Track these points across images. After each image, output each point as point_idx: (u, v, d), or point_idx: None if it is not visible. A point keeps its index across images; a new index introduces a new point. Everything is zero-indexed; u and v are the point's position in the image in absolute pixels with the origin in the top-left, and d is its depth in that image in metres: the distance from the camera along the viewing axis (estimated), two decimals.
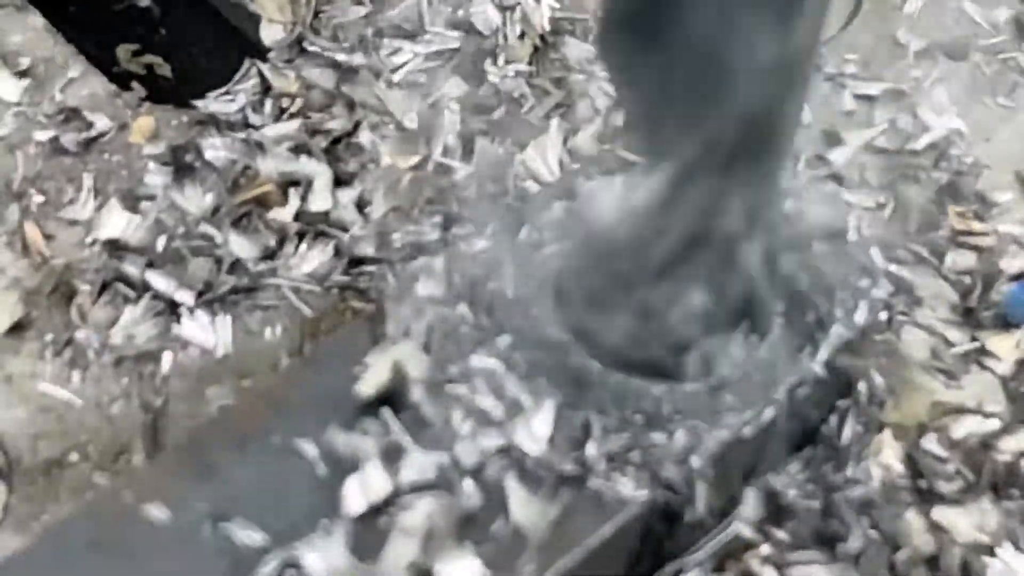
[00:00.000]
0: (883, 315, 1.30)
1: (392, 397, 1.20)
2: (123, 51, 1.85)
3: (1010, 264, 1.54)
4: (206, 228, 1.54)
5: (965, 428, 1.39)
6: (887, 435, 1.37)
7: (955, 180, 1.61)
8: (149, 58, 1.87)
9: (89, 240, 1.54)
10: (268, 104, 1.67)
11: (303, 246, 1.53)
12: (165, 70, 1.86)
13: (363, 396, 1.19)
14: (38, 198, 1.58)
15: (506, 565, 1.11)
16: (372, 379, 1.20)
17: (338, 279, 1.51)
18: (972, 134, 1.68)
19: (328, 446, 1.17)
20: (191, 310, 1.48)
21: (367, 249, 1.53)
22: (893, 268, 1.42)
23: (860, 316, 1.26)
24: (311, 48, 1.72)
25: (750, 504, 1.29)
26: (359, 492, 1.13)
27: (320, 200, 1.56)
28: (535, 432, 1.17)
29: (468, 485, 1.15)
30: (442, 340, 1.23)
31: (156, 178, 1.59)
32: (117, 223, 1.54)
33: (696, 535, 1.27)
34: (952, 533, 1.31)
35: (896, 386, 1.39)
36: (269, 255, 1.53)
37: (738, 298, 1.18)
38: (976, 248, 1.56)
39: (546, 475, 1.15)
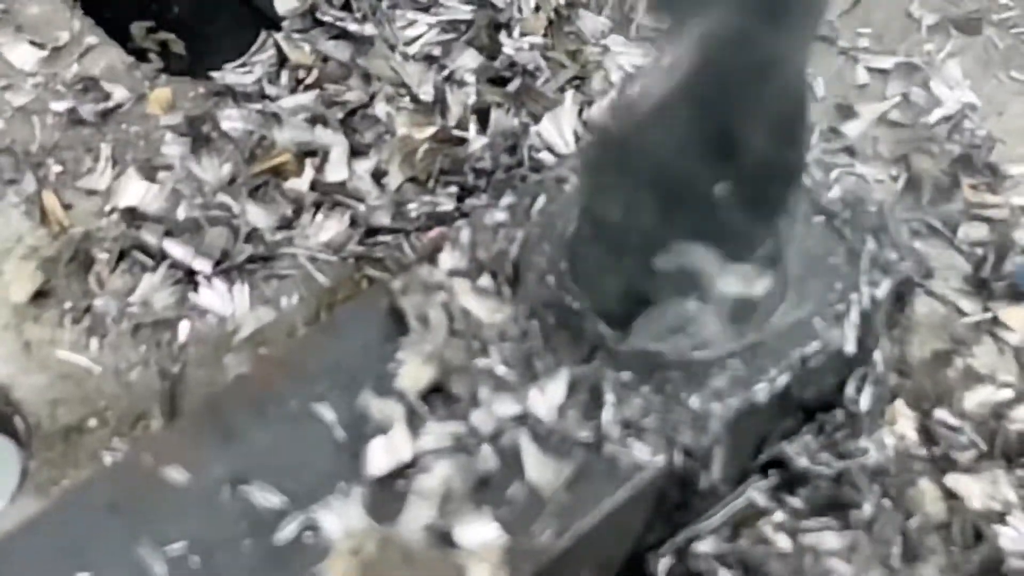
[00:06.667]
0: (903, 287, 1.30)
1: None
2: (137, 28, 1.86)
3: (1023, 236, 1.54)
4: (223, 198, 1.55)
5: (978, 398, 1.40)
6: (901, 404, 1.38)
7: (968, 153, 1.62)
8: (163, 35, 1.87)
9: (107, 209, 1.55)
10: (284, 75, 1.67)
11: (319, 216, 1.54)
12: (179, 47, 1.87)
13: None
14: (56, 168, 1.58)
15: (523, 528, 1.12)
16: (411, 378, 1.20)
17: (354, 249, 1.52)
18: (985, 107, 1.68)
19: (347, 410, 1.18)
20: (208, 278, 1.48)
21: (383, 219, 1.54)
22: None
23: (881, 288, 1.27)
24: (325, 18, 1.72)
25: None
26: (384, 454, 1.14)
27: (336, 170, 1.57)
28: (549, 399, 1.18)
29: (485, 450, 1.15)
30: (462, 316, 1.23)
31: (173, 148, 1.60)
32: (135, 192, 1.55)
33: (710, 502, 1.27)
34: (965, 501, 1.31)
35: (910, 356, 1.40)
36: (286, 225, 1.54)
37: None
38: (989, 220, 1.56)
39: (561, 441, 1.16)
